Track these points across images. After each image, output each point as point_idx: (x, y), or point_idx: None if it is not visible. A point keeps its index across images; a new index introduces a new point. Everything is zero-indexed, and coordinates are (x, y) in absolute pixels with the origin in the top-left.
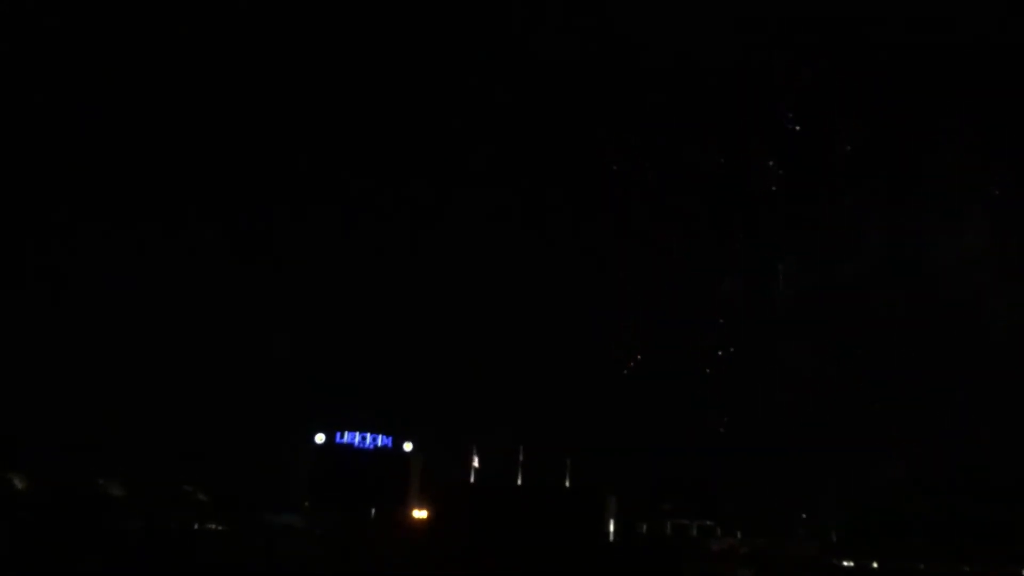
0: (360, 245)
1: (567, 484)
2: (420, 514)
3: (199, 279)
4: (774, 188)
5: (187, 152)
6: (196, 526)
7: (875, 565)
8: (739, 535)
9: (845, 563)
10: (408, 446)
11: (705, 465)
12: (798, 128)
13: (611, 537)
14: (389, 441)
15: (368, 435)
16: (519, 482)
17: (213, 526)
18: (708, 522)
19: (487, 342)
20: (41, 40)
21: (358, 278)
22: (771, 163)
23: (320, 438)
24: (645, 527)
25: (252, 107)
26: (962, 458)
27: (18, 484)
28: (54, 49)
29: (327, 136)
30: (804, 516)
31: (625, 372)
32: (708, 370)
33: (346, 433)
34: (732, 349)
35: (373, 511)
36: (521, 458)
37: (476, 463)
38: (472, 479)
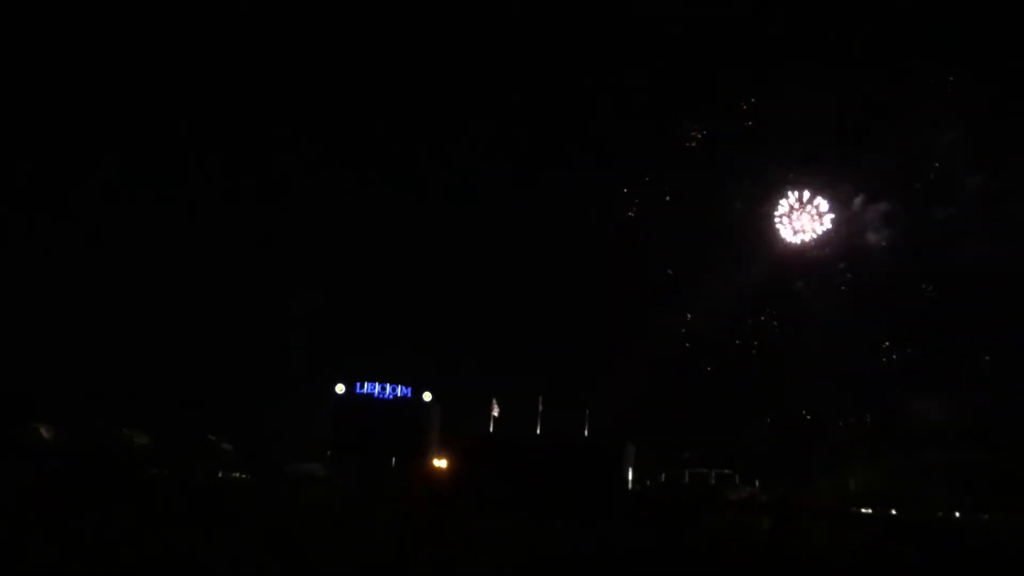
0: (379, 198)
1: (586, 434)
2: (440, 464)
3: (224, 234)
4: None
5: (217, 113)
6: (220, 475)
7: (894, 512)
8: (758, 484)
9: (864, 511)
10: (427, 396)
11: (725, 414)
12: None
13: (629, 486)
14: (408, 391)
15: (388, 386)
16: (538, 432)
17: (237, 475)
18: (726, 471)
19: (505, 293)
20: None
21: (378, 231)
22: None
23: (340, 388)
24: (664, 476)
25: (278, 78)
26: (982, 406)
27: (45, 434)
28: None
29: (356, 99)
30: (825, 465)
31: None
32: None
33: (366, 384)
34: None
35: (393, 460)
36: (540, 408)
37: (496, 413)
38: (491, 429)
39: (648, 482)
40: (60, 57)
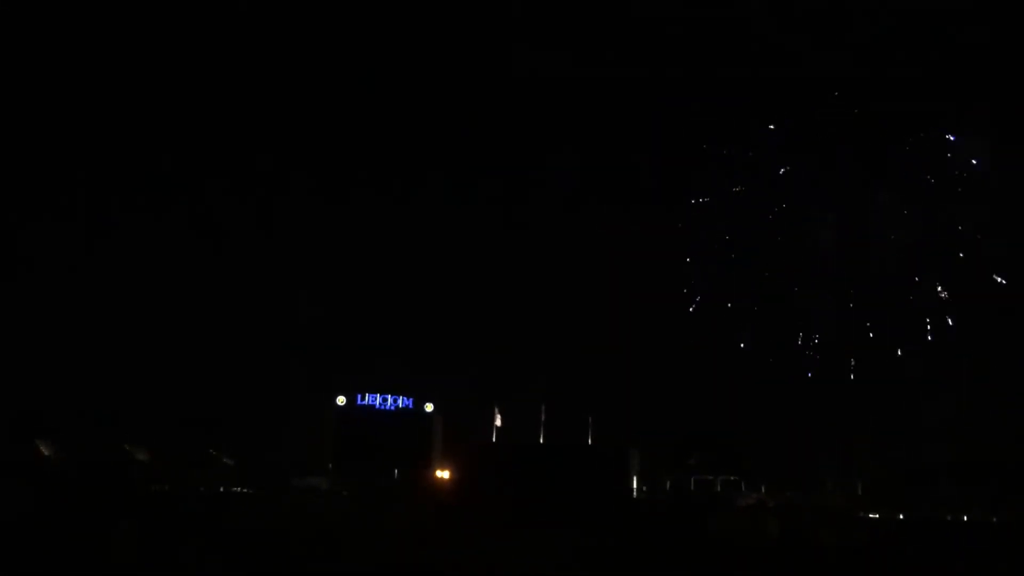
0: (381, 208)
1: (590, 442)
2: (443, 475)
3: (220, 248)
4: None
5: (214, 129)
6: (222, 489)
7: (901, 516)
8: (763, 489)
9: (871, 515)
10: (429, 407)
11: (730, 420)
12: None
13: (634, 493)
14: (410, 402)
15: (389, 397)
16: (541, 441)
17: (239, 489)
18: (732, 477)
19: (506, 302)
20: None
21: (377, 242)
22: None
23: (341, 400)
24: (669, 483)
25: (283, 95)
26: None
27: (45, 451)
28: None
29: (357, 108)
30: (831, 469)
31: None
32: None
33: (367, 395)
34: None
35: (396, 472)
36: (543, 417)
37: (499, 422)
38: (494, 439)
39: (644, 488)
40: (60, 58)
